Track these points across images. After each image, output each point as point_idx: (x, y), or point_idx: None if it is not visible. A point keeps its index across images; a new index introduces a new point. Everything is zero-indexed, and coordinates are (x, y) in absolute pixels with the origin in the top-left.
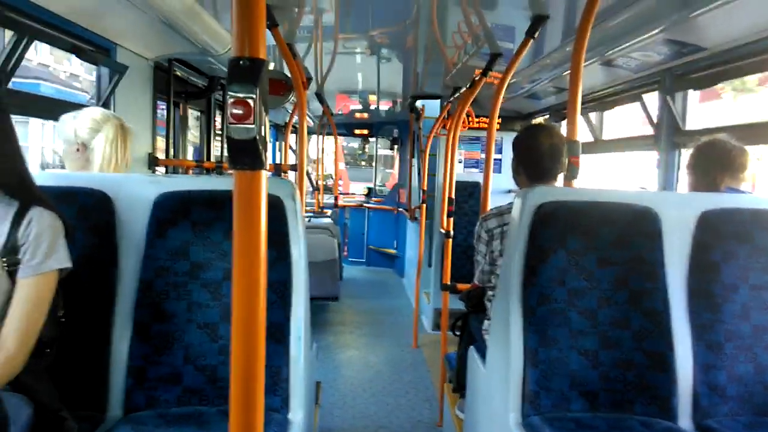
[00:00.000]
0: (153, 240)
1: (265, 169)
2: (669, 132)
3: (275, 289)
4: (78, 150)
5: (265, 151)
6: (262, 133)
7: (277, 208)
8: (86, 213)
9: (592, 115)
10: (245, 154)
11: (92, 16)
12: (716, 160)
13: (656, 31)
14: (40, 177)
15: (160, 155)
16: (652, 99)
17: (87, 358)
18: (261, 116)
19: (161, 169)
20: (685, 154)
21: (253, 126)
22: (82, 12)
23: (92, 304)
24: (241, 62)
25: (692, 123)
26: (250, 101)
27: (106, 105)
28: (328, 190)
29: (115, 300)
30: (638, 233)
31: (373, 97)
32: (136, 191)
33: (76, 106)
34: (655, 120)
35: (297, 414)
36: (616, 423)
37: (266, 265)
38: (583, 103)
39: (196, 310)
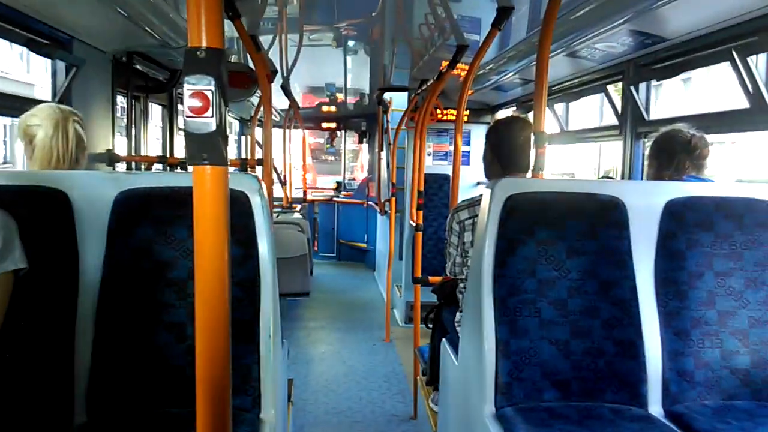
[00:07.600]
0: (114, 239)
1: (227, 165)
2: (633, 122)
3: (243, 286)
4: (27, 147)
5: (226, 145)
6: (222, 127)
7: (242, 205)
8: (43, 212)
9: (558, 106)
10: (204, 149)
11: (47, 7)
12: (678, 149)
13: (620, 21)
14: None
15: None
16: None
17: (49, 363)
18: (220, 108)
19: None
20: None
21: (211, 119)
22: (37, 3)
23: (52, 307)
24: (198, 52)
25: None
26: (208, 93)
27: (62, 101)
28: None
29: (77, 302)
30: (605, 223)
31: (340, 90)
32: (96, 189)
33: (35, 103)
34: (619, 110)
35: (269, 413)
36: (587, 411)
37: (230, 263)
38: (548, 95)
39: (162, 311)
